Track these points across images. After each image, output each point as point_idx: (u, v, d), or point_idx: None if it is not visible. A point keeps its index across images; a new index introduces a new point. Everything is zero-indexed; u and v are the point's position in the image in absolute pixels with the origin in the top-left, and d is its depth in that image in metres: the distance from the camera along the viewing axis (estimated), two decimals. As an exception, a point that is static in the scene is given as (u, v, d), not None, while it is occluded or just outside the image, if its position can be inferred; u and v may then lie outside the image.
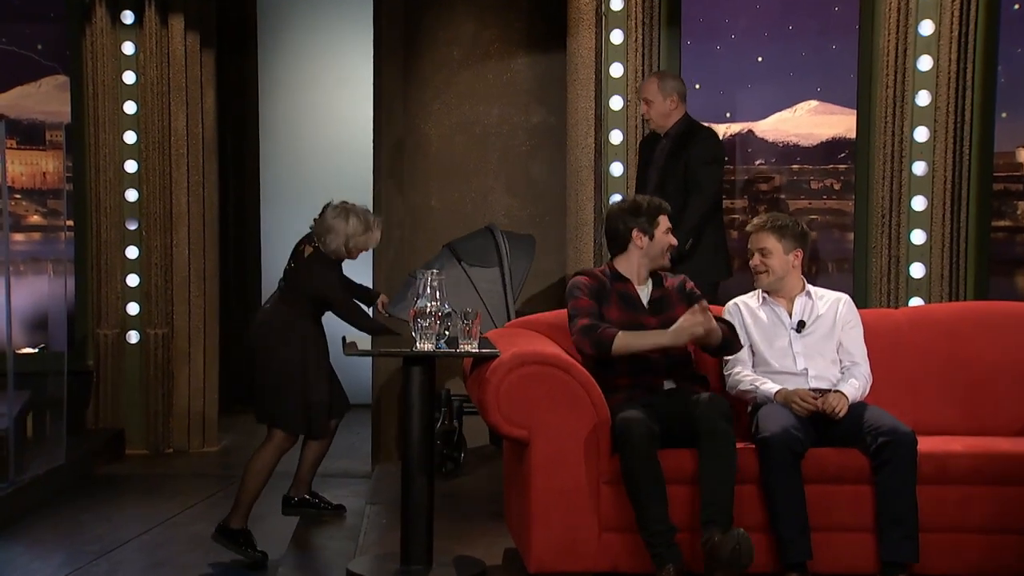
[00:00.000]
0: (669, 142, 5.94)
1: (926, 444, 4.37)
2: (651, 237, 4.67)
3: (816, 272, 6.54)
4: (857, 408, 4.48)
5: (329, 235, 5.38)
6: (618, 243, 4.71)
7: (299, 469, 5.72)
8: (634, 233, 4.66)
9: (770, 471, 4.28)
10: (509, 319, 6.05)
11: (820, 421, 4.46)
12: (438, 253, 6.35)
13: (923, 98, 6.14)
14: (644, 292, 4.72)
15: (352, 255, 5.47)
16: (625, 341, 4.43)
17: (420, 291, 4.48)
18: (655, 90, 5.95)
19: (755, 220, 4.82)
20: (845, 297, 4.83)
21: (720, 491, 4.21)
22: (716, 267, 5.87)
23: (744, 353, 4.71)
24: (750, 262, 4.78)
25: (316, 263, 5.39)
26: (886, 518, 4.29)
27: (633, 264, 4.71)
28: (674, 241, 4.75)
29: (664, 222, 4.70)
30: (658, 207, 4.70)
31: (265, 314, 5.42)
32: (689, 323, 4.39)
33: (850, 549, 4.35)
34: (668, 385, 4.57)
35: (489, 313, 6.10)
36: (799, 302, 4.76)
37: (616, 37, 6.44)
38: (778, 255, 4.71)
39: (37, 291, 7.15)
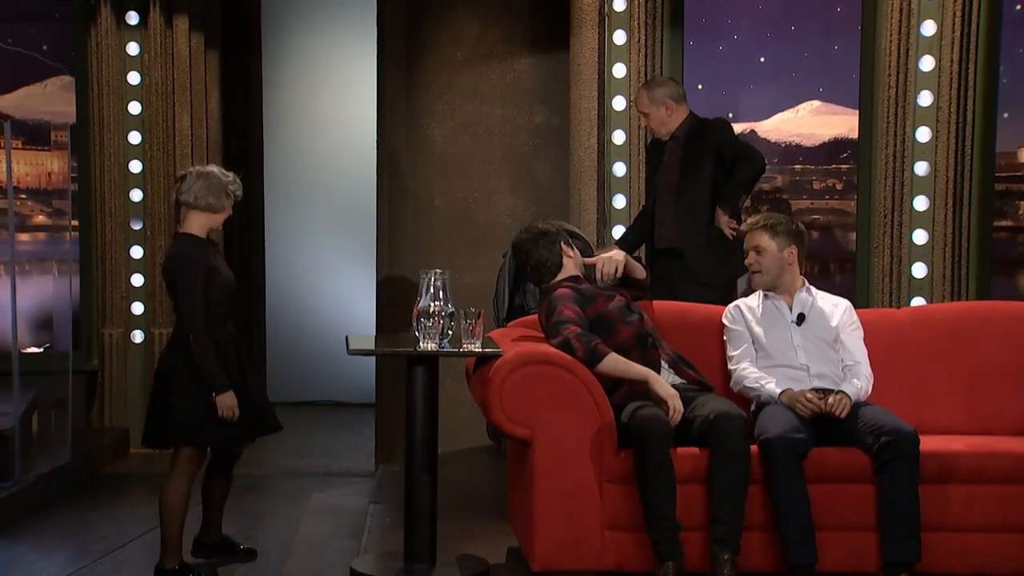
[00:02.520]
0: (678, 145, 5.82)
1: (928, 443, 4.38)
2: (572, 247, 4.84)
3: (818, 272, 6.56)
4: (859, 408, 4.50)
5: (205, 185, 4.75)
6: (553, 265, 4.77)
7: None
8: (563, 248, 4.79)
9: (773, 473, 4.29)
10: (504, 311, 6.06)
11: (822, 421, 4.47)
12: None
13: (925, 98, 6.16)
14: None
15: (229, 212, 4.82)
16: (614, 362, 4.44)
17: (423, 290, 4.50)
18: (646, 102, 5.84)
19: (749, 220, 4.87)
20: (847, 303, 4.86)
21: (732, 511, 4.25)
22: (726, 266, 5.71)
23: (749, 350, 4.74)
24: (746, 261, 4.82)
25: (176, 243, 4.79)
26: (889, 517, 4.30)
27: (574, 274, 4.81)
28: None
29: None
30: (559, 223, 5.00)
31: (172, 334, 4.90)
32: (667, 393, 4.38)
33: (852, 548, 4.36)
34: (670, 380, 4.58)
35: (495, 301, 6.11)
36: (799, 297, 4.79)
37: (619, 38, 6.46)
38: (772, 253, 4.75)
39: (42, 291, 7.17)
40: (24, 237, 7.30)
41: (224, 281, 4.79)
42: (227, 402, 4.66)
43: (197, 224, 4.76)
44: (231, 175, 4.81)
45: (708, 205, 5.71)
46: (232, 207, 4.83)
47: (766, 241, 4.76)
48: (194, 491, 4.81)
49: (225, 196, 4.77)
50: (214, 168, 4.82)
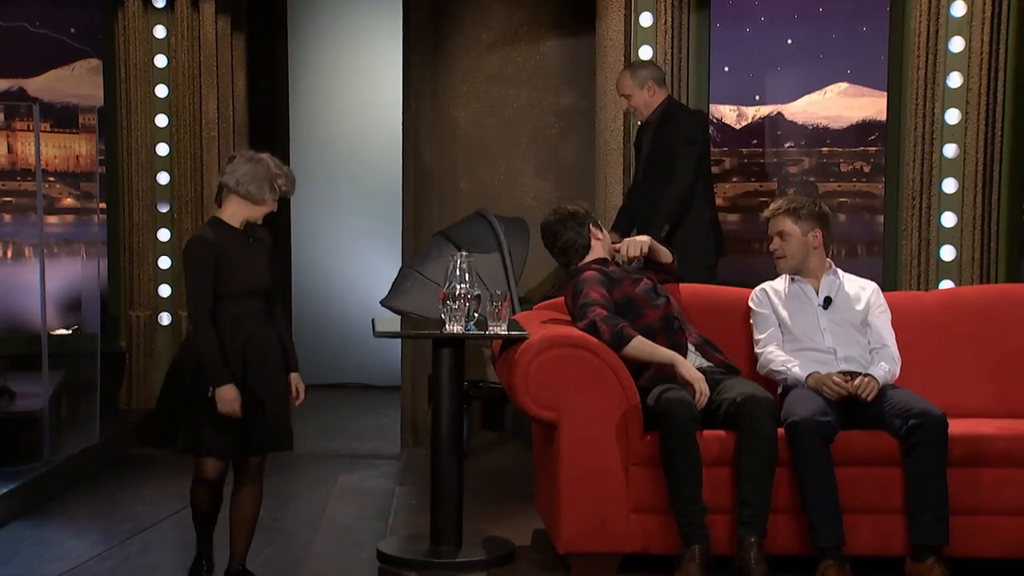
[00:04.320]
0: (652, 129, 5.98)
1: (957, 426, 4.36)
2: (601, 229, 4.84)
3: (845, 255, 6.53)
4: (887, 390, 4.49)
5: (251, 171, 4.34)
6: (581, 247, 4.78)
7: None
8: (592, 230, 4.79)
9: (800, 456, 4.29)
10: (514, 304, 6.02)
11: (850, 404, 4.46)
12: (433, 243, 6.17)
13: (955, 80, 6.11)
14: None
15: (272, 206, 4.42)
16: (640, 345, 4.44)
17: (450, 274, 4.51)
18: (629, 83, 5.97)
19: (771, 205, 4.85)
20: (874, 285, 4.84)
21: (759, 494, 4.25)
22: (708, 248, 5.85)
23: (776, 333, 4.73)
24: (770, 247, 4.81)
25: (201, 225, 4.47)
26: (917, 501, 4.29)
27: (602, 256, 4.81)
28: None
29: None
30: (586, 205, 4.98)
31: None
32: (692, 376, 4.38)
33: (880, 531, 4.35)
34: (697, 363, 4.57)
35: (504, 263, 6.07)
36: (826, 280, 4.78)
37: (645, 20, 6.43)
38: (796, 237, 4.74)
39: (70, 273, 7.21)
40: (52, 219, 7.34)
41: (246, 276, 4.32)
42: (226, 396, 4.19)
43: (231, 210, 4.35)
44: (284, 170, 4.39)
45: (662, 191, 5.79)
46: (275, 202, 4.40)
47: (789, 226, 4.74)
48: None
49: (269, 188, 4.33)
50: (267, 157, 4.39)
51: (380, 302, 5.77)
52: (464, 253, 4.56)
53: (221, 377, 4.20)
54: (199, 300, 4.25)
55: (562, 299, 4.85)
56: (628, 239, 4.85)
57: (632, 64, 6.16)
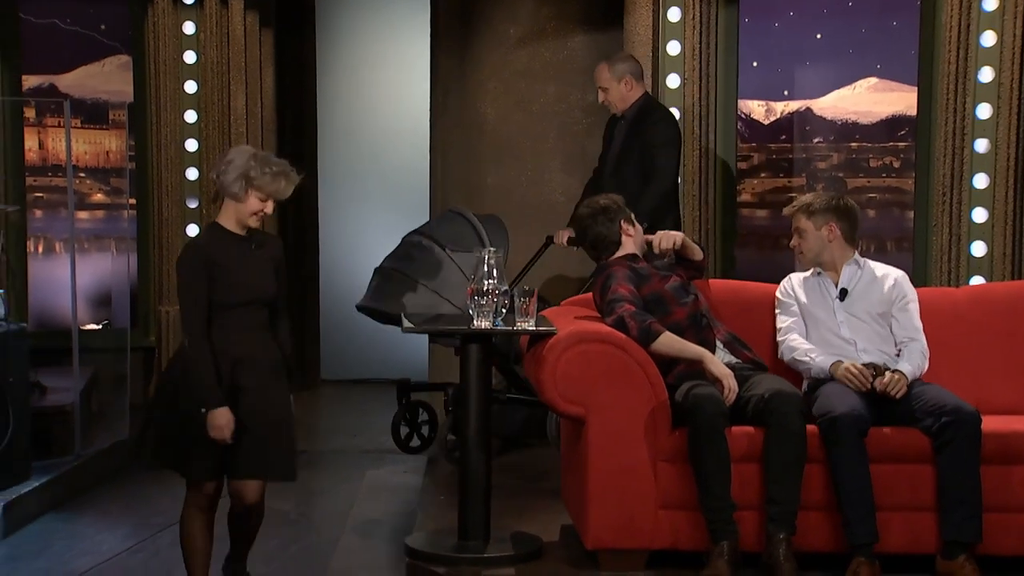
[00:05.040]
0: (626, 124, 5.97)
1: (988, 423, 4.33)
2: (633, 225, 4.80)
3: (874, 250, 6.49)
4: (917, 387, 4.46)
5: (229, 166, 4.05)
6: (611, 243, 4.76)
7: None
8: (623, 226, 4.76)
9: (839, 451, 4.26)
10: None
11: (878, 400, 4.44)
12: (410, 242, 5.97)
13: (986, 74, 6.06)
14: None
15: (255, 206, 4.06)
16: (668, 341, 4.42)
17: (477, 270, 4.50)
18: (607, 76, 5.96)
19: (792, 203, 4.85)
20: (901, 273, 4.82)
21: (788, 491, 4.24)
22: None
23: (799, 323, 4.73)
24: (789, 244, 4.82)
25: (194, 237, 4.19)
26: (949, 498, 4.27)
27: (632, 252, 4.79)
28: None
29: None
30: (622, 199, 4.86)
31: None
32: (721, 372, 4.36)
33: (911, 528, 4.33)
34: (725, 360, 4.56)
35: None
36: (846, 271, 4.76)
37: (673, 15, 6.42)
38: (810, 232, 4.74)
39: (101, 268, 7.27)
40: (83, 215, 7.39)
41: (243, 285, 4.05)
42: (218, 421, 3.91)
43: (227, 212, 4.09)
44: (273, 168, 4.04)
45: (636, 190, 5.74)
46: (263, 201, 4.05)
47: (803, 222, 4.75)
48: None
49: (243, 183, 4.01)
50: (248, 149, 4.14)
51: (357, 305, 5.64)
52: (492, 249, 4.56)
53: (214, 399, 3.92)
54: (191, 312, 3.97)
55: (590, 295, 4.84)
56: (661, 232, 4.82)
57: (611, 57, 6.11)
